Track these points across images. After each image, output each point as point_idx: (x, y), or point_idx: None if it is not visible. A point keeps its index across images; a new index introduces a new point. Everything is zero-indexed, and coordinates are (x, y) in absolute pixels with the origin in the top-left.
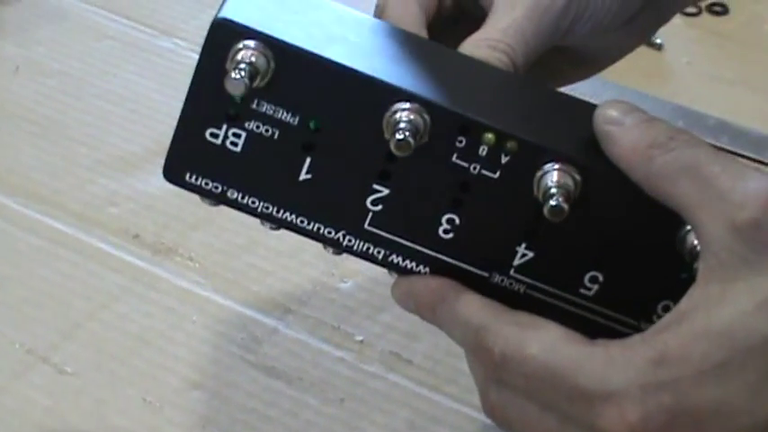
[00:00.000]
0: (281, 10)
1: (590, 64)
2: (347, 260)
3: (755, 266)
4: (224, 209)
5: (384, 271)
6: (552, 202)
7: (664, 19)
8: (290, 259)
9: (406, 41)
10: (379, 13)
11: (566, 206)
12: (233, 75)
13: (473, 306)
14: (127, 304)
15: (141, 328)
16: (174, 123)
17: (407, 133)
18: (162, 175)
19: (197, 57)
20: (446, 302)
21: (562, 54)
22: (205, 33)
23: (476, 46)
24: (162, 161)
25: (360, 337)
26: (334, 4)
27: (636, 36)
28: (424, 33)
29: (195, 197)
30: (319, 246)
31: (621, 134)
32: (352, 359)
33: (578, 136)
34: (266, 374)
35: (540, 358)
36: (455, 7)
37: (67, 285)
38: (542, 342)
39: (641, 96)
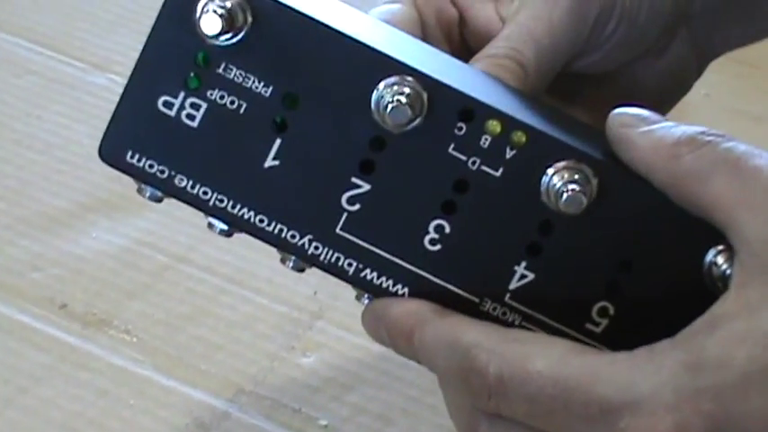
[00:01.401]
0: None
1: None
2: (309, 332)
3: None
4: (165, 275)
5: (352, 344)
6: (568, 193)
7: (703, 55)
8: (243, 331)
9: (406, 36)
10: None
11: (584, 198)
12: (210, 11)
13: (462, 324)
14: (52, 387)
15: (68, 415)
16: (110, 174)
17: (403, 100)
18: (91, 236)
19: None
20: (428, 324)
21: (588, 81)
22: None
23: (475, 60)
24: (95, 218)
25: (324, 422)
26: None
27: (671, 73)
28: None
29: (132, 261)
30: (277, 315)
31: (640, 135)
32: None
33: (592, 143)
34: None
35: (548, 373)
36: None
37: None
38: (549, 356)
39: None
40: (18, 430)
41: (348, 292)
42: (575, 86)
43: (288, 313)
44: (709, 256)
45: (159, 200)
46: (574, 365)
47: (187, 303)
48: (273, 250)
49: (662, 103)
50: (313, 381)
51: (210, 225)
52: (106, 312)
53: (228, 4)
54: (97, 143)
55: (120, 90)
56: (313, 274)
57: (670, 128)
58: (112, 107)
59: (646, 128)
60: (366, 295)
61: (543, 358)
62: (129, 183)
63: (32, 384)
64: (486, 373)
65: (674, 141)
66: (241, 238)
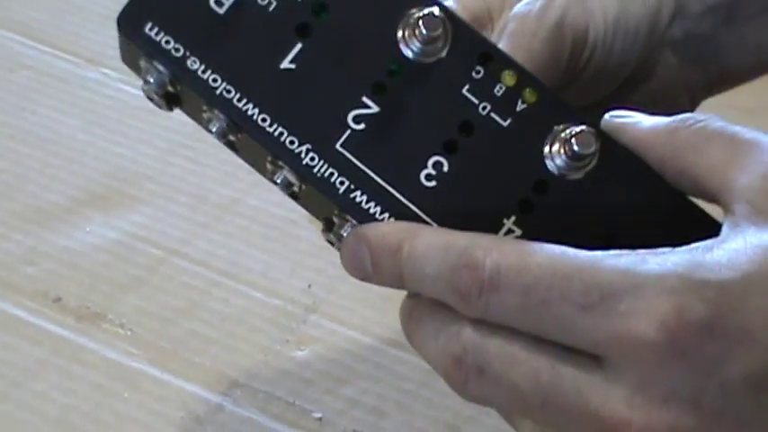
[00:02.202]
0: None
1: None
2: (303, 325)
3: None
4: (159, 268)
5: (347, 337)
6: (569, 156)
7: (699, 82)
8: (237, 325)
9: None
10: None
11: (584, 164)
12: None
13: (456, 233)
14: (46, 381)
15: (63, 409)
16: (104, 169)
17: (437, 12)
18: (84, 230)
19: (128, 89)
20: (421, 233)
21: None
22: None
23: None
24: (89, 212)
25: (318, 415)
26: None
27: (658, 98)
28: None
29: (126, 255)
30: (271, 309)
31: (637, 120)
32: None
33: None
34: None
35: (548, 264)
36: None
37: None
38: (550, 250)
39: None
40: (12, 424)
41: (342, 285)
42: None
43: (282, 306)
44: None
45: (162, 92)
46: (576, 258)
47: (181, 297)
48: (268, 245)
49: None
50: (307, 374)
51: (209, 122)
52: (100, 306)
53: None
54: (90, 137)
55: (114, 84)
56: (307, 267)
57: (662, 117)
58: (106, 101)
59: (640, 118)
60: (348, 224)
61: (543, 252)
62: (123, 177)
63: (27, 378)
64: (482, 266)
65: (669, 120)
66: (234, 232)
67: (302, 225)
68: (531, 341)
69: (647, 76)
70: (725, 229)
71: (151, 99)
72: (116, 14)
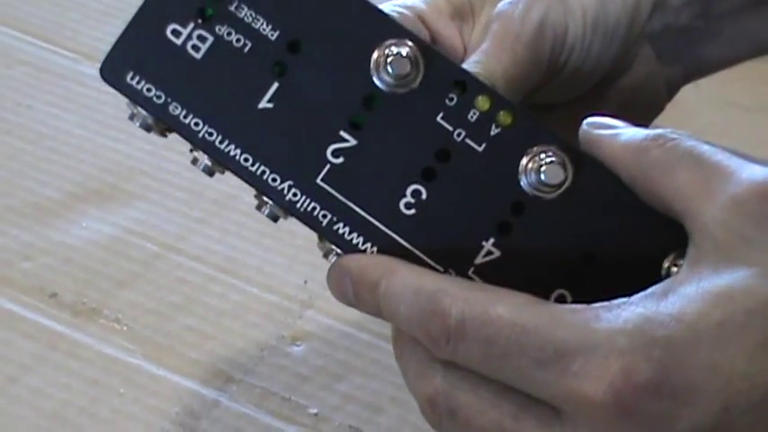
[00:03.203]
0: None
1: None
2: (299, 321)
3: (755, 242)
4: (155, 264)
5: (342, 333)
6: (544, 169)
7: (675, 75)
8: (233, 320)
9: None
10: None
11: (562, 172)
12: None
13: (429, 275)
14: (41, 376)
15: (58, 404)
16: (100, 164)
17: (404, 52)
18: (81, 226)
19: None
20: (396, 273)
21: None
22: None
23: None
24: (85, 207)
25: (314, 410)
26: None
27: (636, 91)
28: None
29: (122, 250)
30: (267, 304)
31: (611, 135)
32: None
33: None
34: None
35: (508, 317)
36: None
37: None
38: (511, 303)
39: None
40: (7, 420)
41: None
42: (543, 113)
43: (278, 302)
44: (668, 261)
45: (149, 128)
46: (535, 312)
47: (177, 292)
48: (264, 240)
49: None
50: (303, 369)
51: (195, 161)
52: (96, 301)
53: None
54: (87, 133)
55: None
56: (303, 263)
57: (639, 129)
58: (103, 97)
59: (616, 130)
60: (334, 252)
61: (505, 304)
62: (119, 173)
63: (22, 373)
64: (449, 314)
65: (642, 137)
66: (230, 228)
67: (298, 221)
68: (497, 388)
69: (625, 71)
70: (685, 266)
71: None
72: (113, 10)
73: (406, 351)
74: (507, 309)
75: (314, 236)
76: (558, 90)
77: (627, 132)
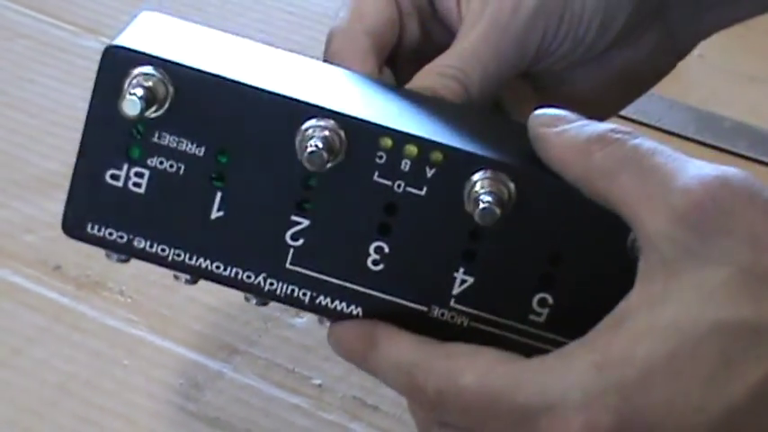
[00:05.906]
0: (178, 39)
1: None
2: None
3: (700, 256)
4: None
5: None
6: (482, 206)
7: (683, 41)
8: (237, 292)
9: (329, 68)
10: (326, 50)
11: (497, 209)
12: (128, 95)
13: (403, 346)
14: (46, 348)
15: (63, 376)
16: None
17: (320, 145)
18: None
19: None
20: (375, 349)
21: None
22: None
23: (426, 74)
24: None
25: (318, 381)
26: (240, 38)
27: (644, 62)
28: (373, 70)
29: None
30: None
31: (556, 134)
32: (309, 406)
33: (516, 150)
34: (210, 426)
35: (475, 387)
36: (423, 37)
37: None
38: (476, 369)
39: (646, 96)
40: (12, 391)
41: None
42: (538, 83)
43: None
44: (630, 238)
45: (126, 260)
46: (497, 375)
47: None
48: None
49: (638, 89)
50: (306, 341)
51: (176, 277)
52: (100, 274)
53: (150, 83)
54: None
55: None
56: None
57: (583, 126)
58: None
59: (562, 127)
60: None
61: (470, 372)
62: None
63: (26, 345)
64: (426, 389)
65: (585, 139)
66: None
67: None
68: None
69: (633, 42)
70: (637, 285)
71: None
72: None
73: (411, 407)
74: (473, 378)
75: None
76: (548, 68)
77: (570, 131)
